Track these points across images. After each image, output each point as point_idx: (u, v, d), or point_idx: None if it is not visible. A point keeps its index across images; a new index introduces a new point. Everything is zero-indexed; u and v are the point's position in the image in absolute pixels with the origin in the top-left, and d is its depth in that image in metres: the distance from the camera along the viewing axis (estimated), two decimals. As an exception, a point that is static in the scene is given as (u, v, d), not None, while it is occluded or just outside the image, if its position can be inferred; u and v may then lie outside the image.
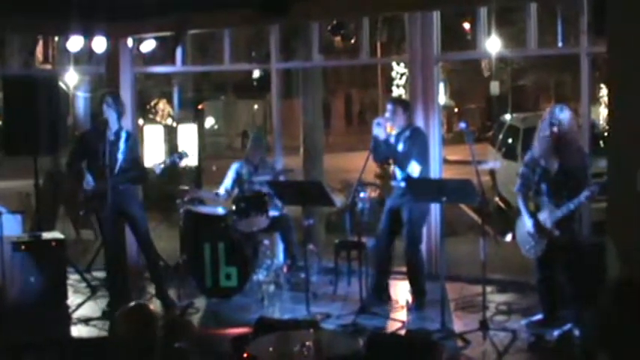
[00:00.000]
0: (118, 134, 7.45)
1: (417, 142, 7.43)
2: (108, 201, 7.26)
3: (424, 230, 8.11)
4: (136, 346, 3.77)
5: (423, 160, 7.44)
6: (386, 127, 7.35)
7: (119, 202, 7.39)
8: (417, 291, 7.50)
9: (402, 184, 7.35)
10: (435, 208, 8.12)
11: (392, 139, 7.41)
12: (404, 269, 7.71)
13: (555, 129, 6.32)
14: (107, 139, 7.38)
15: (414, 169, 7.29)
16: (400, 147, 7.36)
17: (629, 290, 2.18)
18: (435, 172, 8.34)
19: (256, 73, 34.29)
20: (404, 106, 7.63)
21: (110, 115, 7.45)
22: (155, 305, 7.55)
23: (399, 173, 7.49)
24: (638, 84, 5.01)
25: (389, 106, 7.52)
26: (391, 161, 7.67)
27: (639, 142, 4.97)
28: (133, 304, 3.96)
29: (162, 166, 7.73)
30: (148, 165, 7.97)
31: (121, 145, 7.39)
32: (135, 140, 7.74)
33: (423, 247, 8.15)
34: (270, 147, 9.17)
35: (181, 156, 7.84)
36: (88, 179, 7.38)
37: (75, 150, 7.74)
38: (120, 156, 7.38)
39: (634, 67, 5.02)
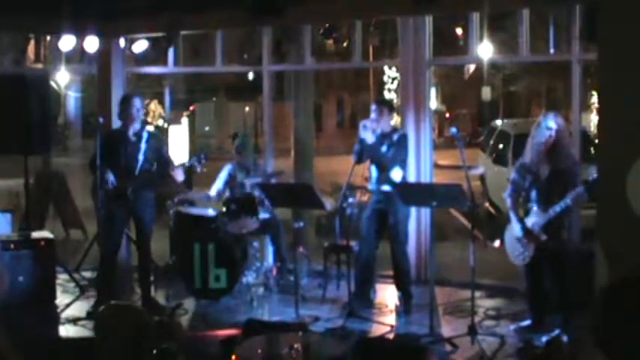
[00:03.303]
0: (139, 135, 7.49)
1: (404, 149, 7.48)
2: (127, 202, 7.38)
3: (414, 235, 8.11)
4: (122, 345, 3.76)
5: (405, 166, 7.53)
6: (374, 130, 7.33)
7: (136, 205, 7.46)
8: (405, 294, 7.51)
9: (386, 188, 7.35)
10: (425, 213, 8.13)
11: (374, 140, 7.34)
12: (390, 273, 7.72)
13: (552, 133, 6.36)
14: (128, 139, 7.45)
15: (398, 174, 7.31)
16: (384, 149, 7.35)
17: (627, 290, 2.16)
18: (426, 176, 8.36)
19: (248, 75, 34.25)
20: (389, 107, 7.63)
21: (137, 116, 7.51)
22: (142, 308, 7.54)
23: (375, 174, 7.48)
24: (628, 91, 5.02)
25: (374, 108, 7.51)
26: (369, 162, 7.55)
27: (629, 149, 4.99)
28: (116, 302, 3.95)
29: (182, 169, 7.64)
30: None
31: (142, 145, 7.45)
32: (158, 139, 7.80)
33: (413, 251, 8.16)
34: (261, 149, 9.16)
35: (200, 159, 7.66)
36: (110, 178, 7.37)
37: (98, 150, 7.73)
38: (140, 157, 7.43)
39: (624, 74, 5.04)
